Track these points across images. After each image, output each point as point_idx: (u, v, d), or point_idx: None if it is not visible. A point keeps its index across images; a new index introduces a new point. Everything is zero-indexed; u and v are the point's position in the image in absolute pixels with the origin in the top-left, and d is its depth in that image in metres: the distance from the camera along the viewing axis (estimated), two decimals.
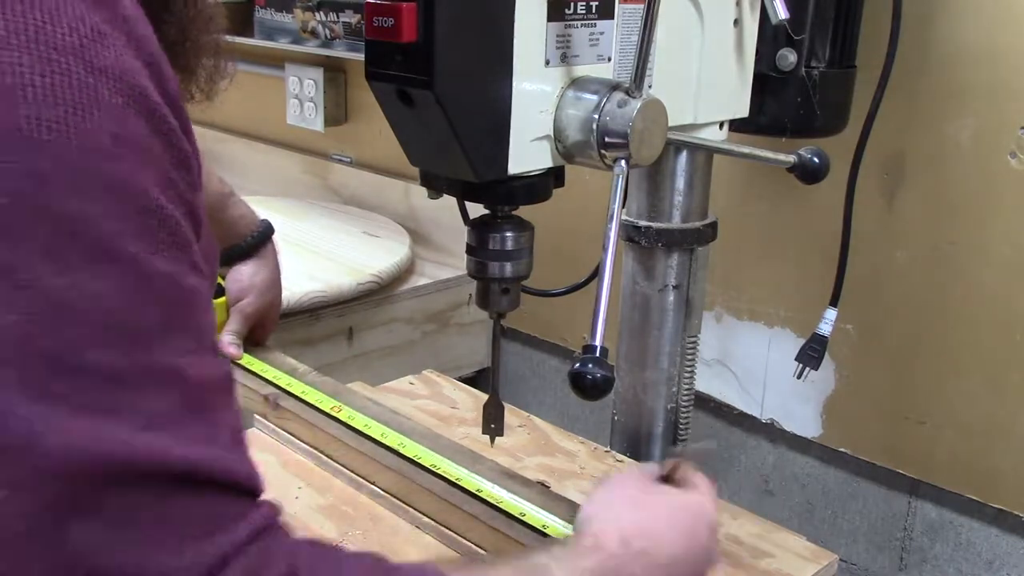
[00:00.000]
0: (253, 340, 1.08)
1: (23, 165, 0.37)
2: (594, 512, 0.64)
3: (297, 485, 0.95)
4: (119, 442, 0.38)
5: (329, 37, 1.76)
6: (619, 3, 0.77)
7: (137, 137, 0.41)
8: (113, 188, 0.40)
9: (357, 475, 0.95)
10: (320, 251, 1.58)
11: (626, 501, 0.65)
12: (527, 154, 0.73)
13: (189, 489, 0.41)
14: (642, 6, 0.72)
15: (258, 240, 1.06)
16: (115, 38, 0.41)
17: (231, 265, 1.06)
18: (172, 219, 0.43)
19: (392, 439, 0.95)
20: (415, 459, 0.92)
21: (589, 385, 0.65)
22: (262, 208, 1.69)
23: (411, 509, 0.90)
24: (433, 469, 0.91)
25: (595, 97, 0.73)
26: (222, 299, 1.06)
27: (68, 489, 0.37)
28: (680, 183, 1.00)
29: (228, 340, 1.04)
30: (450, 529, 0.87)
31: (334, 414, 0.97)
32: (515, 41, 0.70)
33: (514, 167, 0.73)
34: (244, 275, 1.05)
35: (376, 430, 0.96)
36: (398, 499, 0.91)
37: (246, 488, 0.45)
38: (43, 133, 0.38)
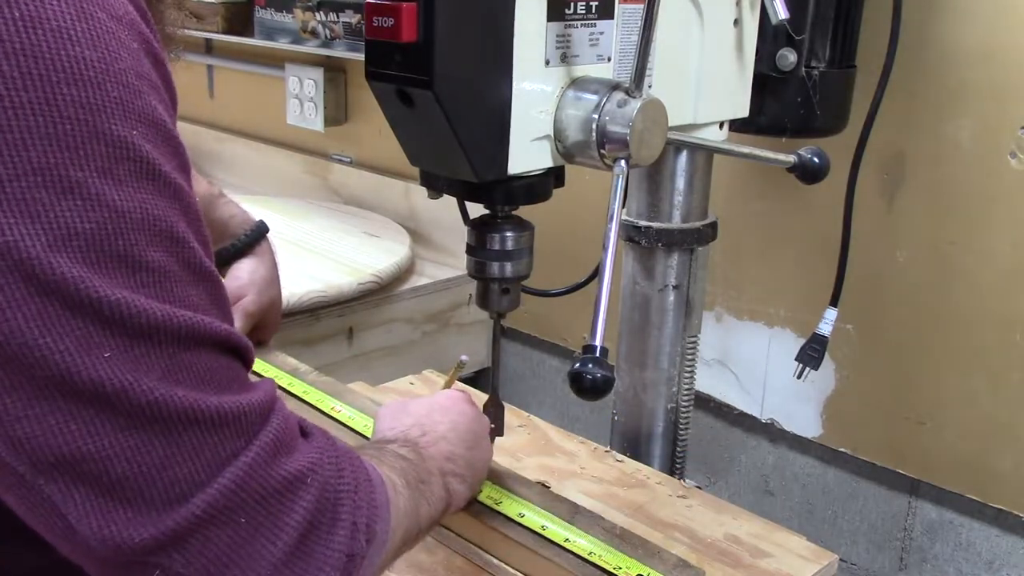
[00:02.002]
0: (256, 339, 1.06)
1: (78, 96, 0.44)
2: (385, 424, 0.77)
3: None
4: (184, 317, 0.48)
5: (329, 37, 1.76)
6: (619, 3, 0.77)
7: (151, 77, 0.49)
8: (143, 118, 0.47)
9: None
10: (320, 251, 1.58)
11: (400, 407, 0.80)
12: (527, 154, 0.73)
13: (227, 355, 0.51)
14: (642, 6, 0.72)
15: (252, 238, 1.04)
16: None
17: (227, 265, 1.04)
18: (181, 147, 0.51)
19: None
20: None
21: (589, 385, 0.65)
22: (262, 208, 1.70)
23: None
24: None
25: (595, 97, 0.73)
26: None
27: (154, 349, 0.46)
28: (680, 183, 1.00)
29: None
30: (450, 529, 0.87)
31: (334, 414, 0.97)
32: (515, 41, 0.70)
33: (514, 167, 0.73)
34: (243, 272, 1.03)
35: None
36: None
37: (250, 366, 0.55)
38: (88, 71, 0.45)
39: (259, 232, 1.05)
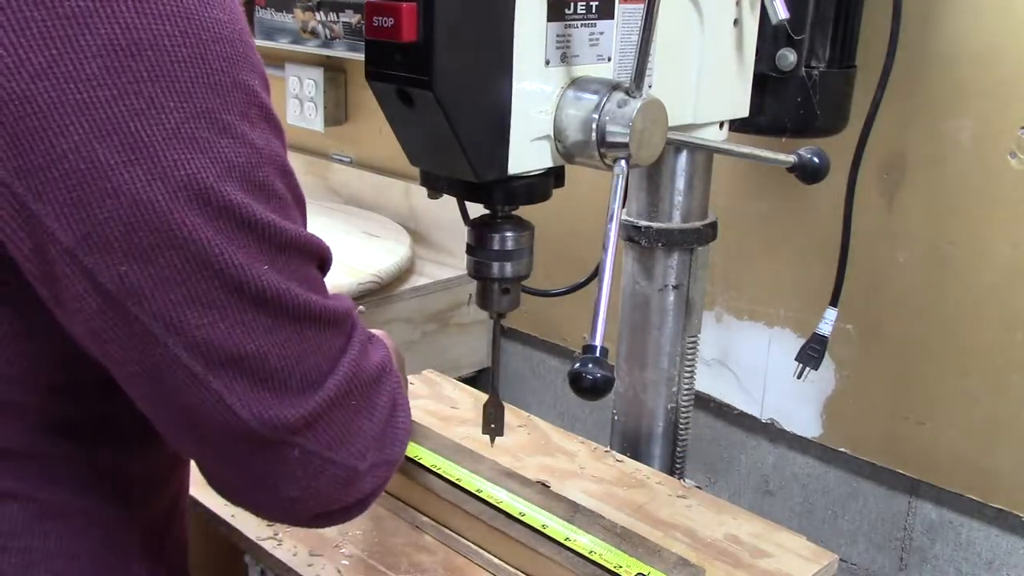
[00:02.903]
0: None
1: (221, 52, 0.52)
2: None
3: None
4: (305, 235, 0.57)
5: (329, 37, 1.76)
6: (619, 3, 0.77)
7: (250, 34, 0.56)
8: (256, 69, 0.55)
9: None
10: None
11: None
12: (527, 154, 0.73)
13: (319, 265, 0.60)
14: (642, 6, 0.72)
15: None
16: None
17: None
18: (269, 108, 0.57)
19: None
20: (415, 459, 0.92)
21: (589, 385, 0.65)
22: None
23: (411, 509, 0.90)
24: (433, 469, 0.91)
25: (595, 97, 0.73)
26: None
27: (292, 262, 0.56)
28: (680, 183, 1.00)
29: None
30: (450, 529, 0.87)
31: None
32: (515, 41, 0.70)
33: (514, 167, 0.73)
34: None
35: None
36: (399, 499, 0.92)
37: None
38: (224, 30, 0.52)
39: None
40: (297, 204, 0.58)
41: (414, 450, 0.94)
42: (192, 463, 0.64)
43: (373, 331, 0.75)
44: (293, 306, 0.55)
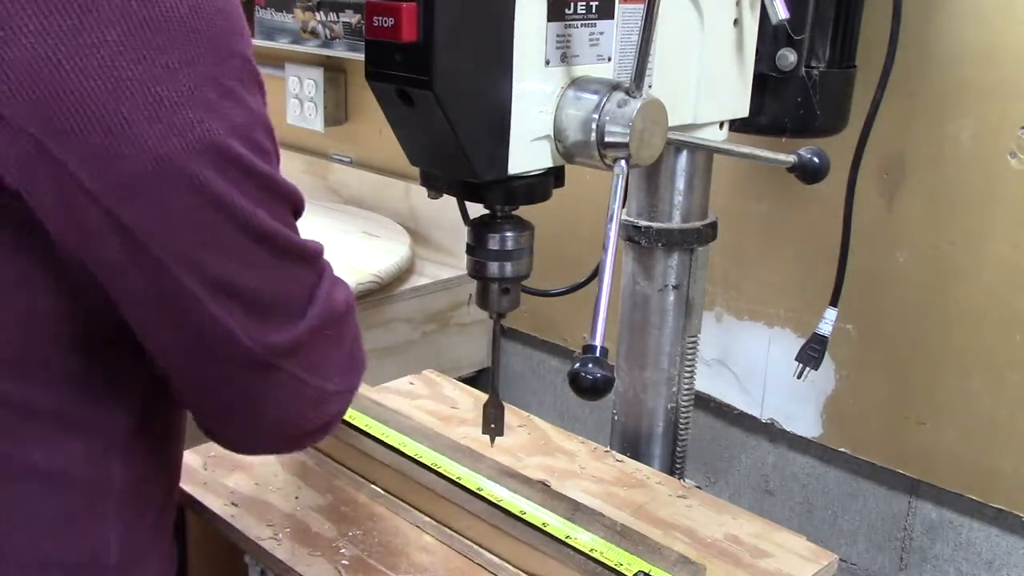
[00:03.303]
0: None
1: (223, 24, 0.58)
2: None
3: (297, 485, 0.95)
4: (291, 186, 0.65)
5: (329, 37, 1.76)
6: (619, 3, 0.77)
7: (239, 4, 0.61)
8: (248, 41, 0.61)
9: (357, 475, 0.95)
10: None
11: None
12: (527, 154, 0.73)
13: (293, 211, 0.66)
14: (642, 6, 0.72)
15: None
16: None
17: None
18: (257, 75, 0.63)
19: (393, 439, 0.95)
20: (415, 458, 0.92)
21: (589, 385, 0.65)
22: None
23: (411, 509, 0.90)
24: (434, 468, 0.91)
25: (595, 97, 0.73)
26: None
27: (283, 207, 0.64)
28: (680, 183, 1.00)
29: None
30: (451, 528, 0.87)
31: None
32: (515, 41, 0.70)
33: (514, 167, 0.73)
34: None
35: (377, 430, 0.96)
36: (398, 499, 0.92)
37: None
38: (226, 5, 0.58)
39: None
40: (277, 158, 0.65)
41: (414, 449, 0.94)
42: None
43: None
44: (284, 244, 0.63)
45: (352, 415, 0.97)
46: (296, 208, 0.66)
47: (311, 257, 0.66)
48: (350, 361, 0.71)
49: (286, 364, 0.64)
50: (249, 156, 0.60)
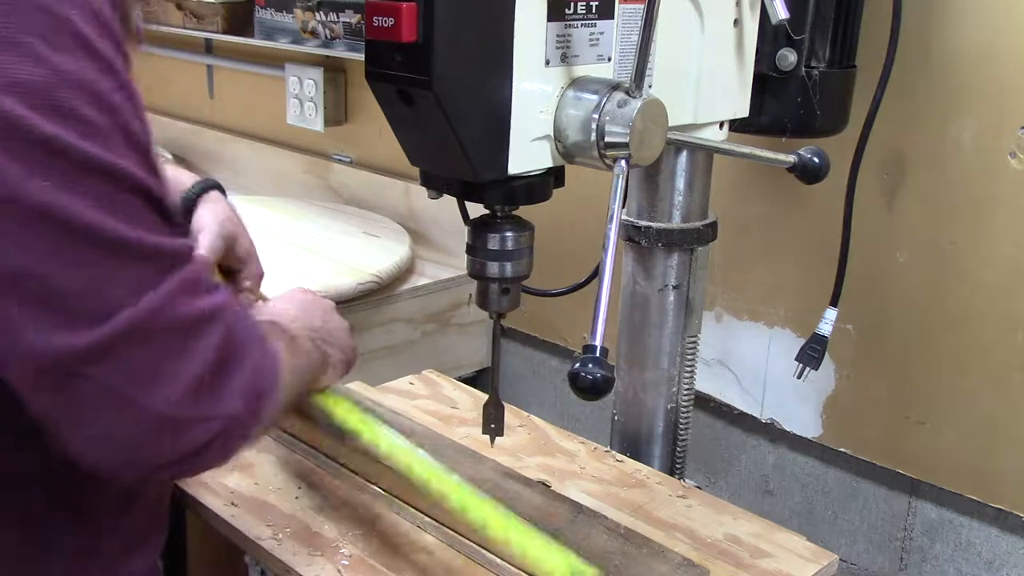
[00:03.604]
0: (237, 281, 1.00)
1: None
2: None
3: (297, 485, 0.95)
4: (111, 160, 0.56)
5: (329, 37, 1.76)
6: (619, 3, 0.77)
7: None
8: (83, 5, 0.55)
9: (357, 475, 0.95)
10: (320, 251, 1.57)
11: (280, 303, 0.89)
12: (527, 154, 0.73)
13: (151, 207, 0.59)
14: (642, 6, 0.72)
15: (198, 190, 0.97)
16: None
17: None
18: (122, 44, 0.58)
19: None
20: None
21: (589, 385, 0.65)
22: (262, 208, 1.70)
23: (411, 509, 0.90)
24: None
25: (595, 97, 0.73)
26: None
27: (86, 181, 0.55)
28: (680, 183, 1.00)
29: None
30: (452, 529, 0.87)
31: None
32: (515, 41, 0.70)
33: (514, 167, 0.73)
34: (199, 216, 0.97)
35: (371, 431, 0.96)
36: (398, 499, 0.92)
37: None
38: None
39: (205, 186, 0.99)
40: (128, 141, 0.57)
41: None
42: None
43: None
44: (83, 226, 0.54)
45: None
46: (146, 195, 0.58)
47: (148, 253, 0.57)
48: (214, 383, 0.60)
49: (93, 372, 0.55)
50: (32, 118, 0.52)
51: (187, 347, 0.59)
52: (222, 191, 1.01)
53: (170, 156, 1.04)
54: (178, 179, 0.99)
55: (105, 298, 0.55)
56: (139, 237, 0.56)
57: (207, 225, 0.96)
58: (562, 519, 0.87)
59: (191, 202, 0.98)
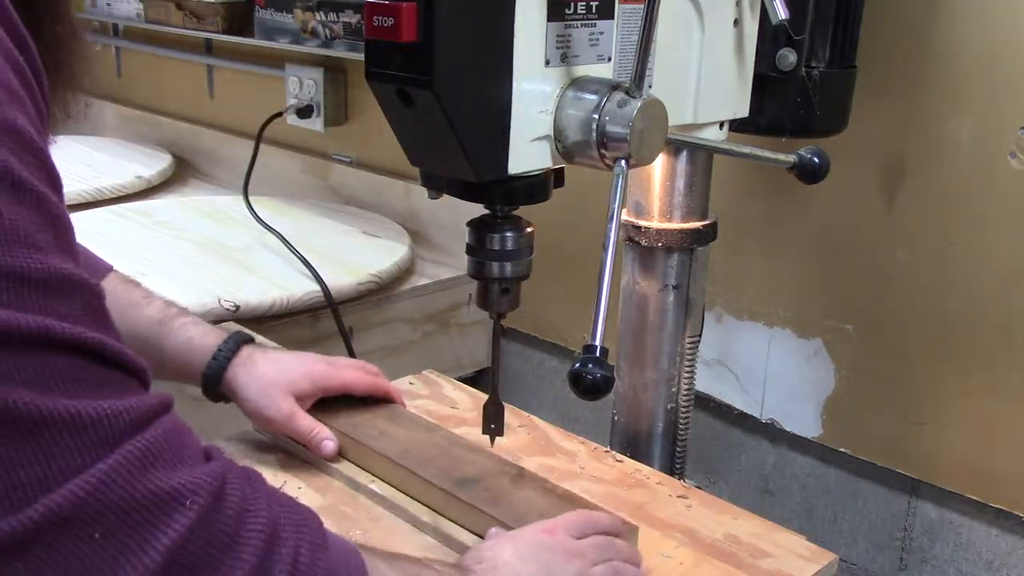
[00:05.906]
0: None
1: None
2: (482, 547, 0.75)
3: (297, 485, 0.95)
4: (34, 321, 0.45)
5: (329, 37, 1.76)
6: (619, 3, 0.77)
7: (13, 88, 0.48)
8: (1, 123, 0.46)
9: (357, 475, 0.95)
10: (320, 251, 1.58)
11: (507, 539, 0.75)
12: (527, 154, 0.73)
13: (97, 362, 0.48)
14: (642, 6, 0.72)
15: (232, 346, 0.90)
16: None
17: (218, 384, 0.91)
18: (49, 162, 0.49)
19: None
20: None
21: (589, 385, 0.65)
22: (262, 208, 1.70)
23: (411, 509, 0.90)
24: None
25: (595, 97, 0.73)
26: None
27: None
28: (680, 183, 1.00)
29: (321, 439, 0.93)
30: (450, 520, 0.87)
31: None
32: (515, 41, 0.70)
33: (514, 167, 0.73)
34: (261, 405, 0.90)
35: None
36: (398, 499, 0.91)
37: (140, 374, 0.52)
38: None
39: (239, 339, 0.93)
40: (61, 287, 0.47)
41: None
42: None
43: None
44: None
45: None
46: (85, 347, 0.48)
47: (77, 423, 0.46)
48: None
49: (6, 568, 0.45)
50: None
51: (141, 539, 0.47)
52: (251, 341, 0.93)
53: (177, 309, 0.96)
54: (203, 343, 0.92)
55: (21, 482, 0.45)
56: (69, 407, 0.46)
57: (277, 406, 0.89)
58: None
59: (220, 368, 0.91)
